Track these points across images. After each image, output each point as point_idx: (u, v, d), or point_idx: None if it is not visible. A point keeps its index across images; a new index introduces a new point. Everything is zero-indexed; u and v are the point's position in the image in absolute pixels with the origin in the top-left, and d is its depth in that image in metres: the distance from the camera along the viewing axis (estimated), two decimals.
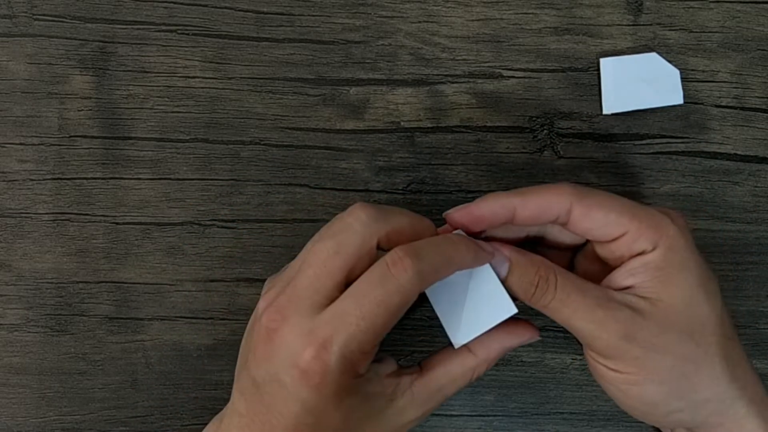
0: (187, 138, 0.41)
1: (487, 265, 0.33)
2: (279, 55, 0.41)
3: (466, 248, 0.31)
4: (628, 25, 0.41)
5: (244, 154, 0.41)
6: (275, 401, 0.30)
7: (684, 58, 0.41)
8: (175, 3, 0.41)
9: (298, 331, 0.29)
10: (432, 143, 0.41)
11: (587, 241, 0.35)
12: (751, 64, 0.41)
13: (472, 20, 0.41)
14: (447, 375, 0.33)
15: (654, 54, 0.40)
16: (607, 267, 0.34)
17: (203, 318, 0.40)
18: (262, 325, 0.31)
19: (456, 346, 0.33)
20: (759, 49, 0.41)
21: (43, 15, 0.41)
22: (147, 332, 0.40)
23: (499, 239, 0.35)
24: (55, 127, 0.41)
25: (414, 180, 0.41)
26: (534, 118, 0.41)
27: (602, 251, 0.34)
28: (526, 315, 0.38)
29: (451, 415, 0.41)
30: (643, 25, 0.41)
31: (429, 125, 0.41)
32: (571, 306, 0.31)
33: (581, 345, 0.34)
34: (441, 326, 0.34)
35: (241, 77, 0.41)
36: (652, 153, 0.41)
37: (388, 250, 0.30)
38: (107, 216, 0.40)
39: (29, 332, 0.40)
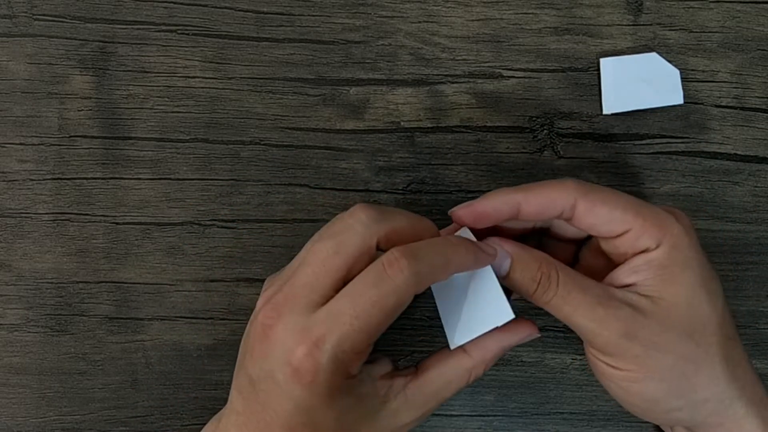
0: (187, 138, 0.41)
1: (489, 267, 0.32)
2: (279, 55, 0.41)
3: (466, 250, 0.31)
4: (628, 25, 0.41)
5: (244, 154, 0.41)
6: (270, 399, 0.30)
7: (684, 58, 0.41)
8: (175, 3, 0.41)
9: (293, 329, 0.29)
10: (432, 143, 0.41)
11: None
12: (751, 64, 0.41)
13: (472, 20, 0.41)
14: (442, 377, 0.33)
15: (654, 54, 0.40)
16: (611, 262, 0.34)
17: (203, 318, 0.40)
18: (258, 322, 0.31)
19: (452, 348, 0.33)
20: (759, 49, 0.41)
21: (43, 15, 0.41)
22: (147, 332, 0.40)
23: (506, 230, 0.35)
24: (55, 127, 0.41)
25: (414, 180, 0.41)
26: (534, 118, 0.41)
27: (606, 247, 0.34)
28: (526, 314, 0.38)
29: (451, 415, 0.41)
30: (643, 25, 0.41)
31: (429, 125, 0.41)
32: (572, 303, 0.31)
33: (581, 345, 0.34)
34: (441, 326, 0.34)
35: (241, 77, 0.41)
36: (652, 153, 0.41)
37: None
38: (107, 216, 0.40)
39: (29, 332, 0.40)
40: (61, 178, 0.40)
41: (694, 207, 0.41)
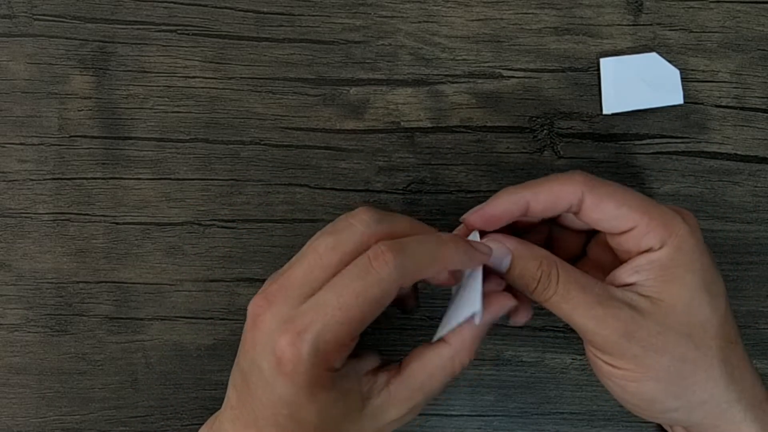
0: (187, 138, 0.41)
1: (480, 266, 0.32)
2: (279, 55, 0.41)
3: (456, 248, 0.31)
4: (628, 25, 0.41)
5: (244, 154, 0.41)
6: (257, 390, 0.30)
7: (684, 58, 0.41)
8: (175, 3, 0.41)
9: (279, 319, 0.30)
10: (432, 143, 0.41)
11: None
12: (751, 64, 0.41)
13: (472, 20, 0.41)
14: (424, 369, 0.32)
15: (654, 54, 0.40)
16: (618, 257, 0.34)
17: (203, 318, 0.40)
18: (249, 312, 0.31)
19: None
20: (759, 49, 0.41)
21: (43, 15, 0.41)
22: (147, 332, 0.40)
23: (514, 222, 0.35)
24: (55, 127, 0.41)
25: (414, 180, 0.41)
26: (534, 118, 0.41)
27: (612, 242, 0.34)
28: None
29: (451, 415, 0.41)
30: (643, 25, 0.41)
31: (429, 125, 0.41)
32: (571, 302, 0.31)
33: (581, 345, 0.34)
34: None
35: (241, 77, 0.41)
36: (652, 153, 0.41)
37: None
38: (107, 216, 0.40)
39: (29, 332, 0.40)
40: (61, 178, 0.40)
41: (694, 207, 0.41)
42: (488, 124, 0.41)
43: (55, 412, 0.40)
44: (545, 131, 0.41)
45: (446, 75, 0.41)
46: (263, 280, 0.34)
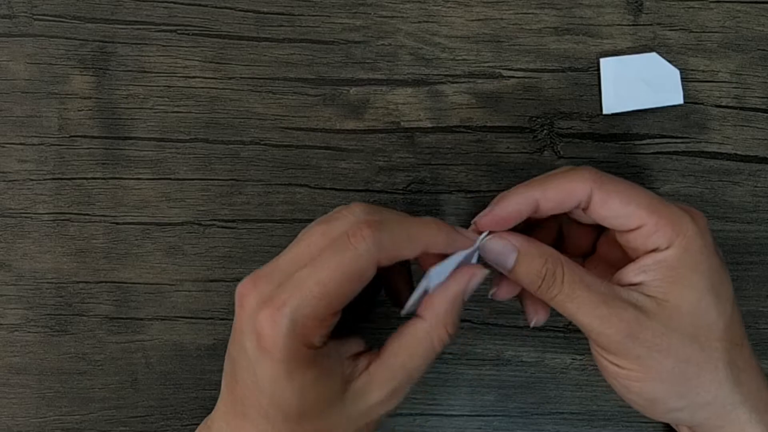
0: (187, 138, 0.41)
1: (460, 254, 0.32)
2: (279, 55, 0.41)
3: (438, 230, 0.31)
4: (628, 25, 0.41)
5: (244, 154, 0.41)
6: (243, 373, 0.30)
7: (684, 58, 0.41)
8: (175, 3, 0.41)
9: (261, 297, 0.30)
10: (432, 143, 0.41)
11: None
12: (751, 64, 0.41)
13: (472, 20, 0.41)
14: (403, 348, 0.32)
15: (654, 54, 0.40)
16: (627, 254, 0.34)
17: (203, 318, 0.40)
18: (236, 295, 0.31)
19: (402, 316, 0.33)
20: (759, 49, 0.41)
21: (43, 15, 0.41)
22: (147, 332, 0.40)
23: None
24: (55, 127, 0.41)
25: (414, 180, 0.41)
26: (534, 118, 0.41)
27: (620, 239, 0.33)
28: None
29: (451, 415, 0.41)
30: (643, 25, 0.41)
31: (429, 125, 0.41)
32: (576, 301, 0.31)
33: (581, 345, 0.34)
34: None
35: (241, 77, 0.41)
36: (652, 153, 0.41)
37: None
38: (107, 216, 0.40)
39: (29, 332, 0.40)
40: (61, 178, 0.40)
41: (695, 207, 0.40)
42: (488, 124, 0.41)
43: (55, 412, 0.40)
44: (545, 131, 0.41)
45: (446, 75, 0.41)
46: None
